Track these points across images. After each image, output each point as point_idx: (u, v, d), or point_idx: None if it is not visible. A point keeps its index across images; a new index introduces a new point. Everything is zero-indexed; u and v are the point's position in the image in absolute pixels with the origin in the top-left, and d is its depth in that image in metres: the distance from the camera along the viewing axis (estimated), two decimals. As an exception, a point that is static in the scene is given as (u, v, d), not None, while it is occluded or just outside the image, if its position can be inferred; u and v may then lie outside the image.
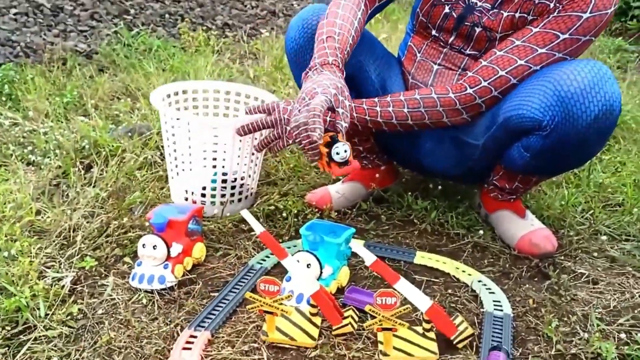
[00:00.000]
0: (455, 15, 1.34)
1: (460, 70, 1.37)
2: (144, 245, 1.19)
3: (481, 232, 1.46)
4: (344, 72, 1.22)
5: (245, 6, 4.28)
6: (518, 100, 1.22)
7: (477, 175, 1.46)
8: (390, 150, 1.57)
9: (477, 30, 1.31)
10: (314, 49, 1.25)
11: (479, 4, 1.31)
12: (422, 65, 1.42)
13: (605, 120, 1.14)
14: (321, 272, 1.19)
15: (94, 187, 1.55)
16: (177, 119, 1.41)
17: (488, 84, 1.27)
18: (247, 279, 1.24)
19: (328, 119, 1.18)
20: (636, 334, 1.09)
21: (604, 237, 1.45)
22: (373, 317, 1.02)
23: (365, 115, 1.33)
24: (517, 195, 1.43)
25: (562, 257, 1.38)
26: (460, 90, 1.30)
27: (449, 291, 1.25)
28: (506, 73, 1.25)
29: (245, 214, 1.11)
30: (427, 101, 1.31)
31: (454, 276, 1.30)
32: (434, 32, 1.39)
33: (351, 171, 1.14)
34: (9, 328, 1.04)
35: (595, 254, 1.39)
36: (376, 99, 1.34)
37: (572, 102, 1.13)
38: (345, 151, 1.09)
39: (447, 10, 1.34)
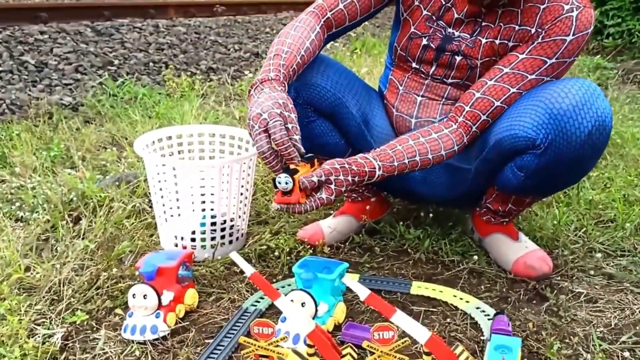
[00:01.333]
0: (434, 47, 1.35)
1: (443, 100, 1.38)
2: (134, 295, 1.17)
3: (476, 257, 1.45)
4: (286, 86, 1.20)
5: (229, 50, 4.35)
6: (509, 121, 1.22)
7: (470, 199, 1.45)
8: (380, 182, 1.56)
9: (458, 58, 1.32)
10: None
11: (457, 33, 1.32)
12: (405, 98, 1.43)
13: (599, 136, 1.14)
14: (316, 310, 1.17)
15: (83, 239, 1.53)
16: (163, 164, 1.40)
17: (487, 116, 1.27)
18: (241, 323, 1.22)
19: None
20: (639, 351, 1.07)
21: (599, 255, 1.44)
22: (372, 354, 1.00)
23: (366, 176, 1.22)
24: (509, 218, 1.43)
25: (559, 278, 1.37)
26: (467, 132, 1.29)
27: (448, 320, 1.23)
28: (501, 103, 1.25)
29: (235, 256, 1.09)
30: (435, 157, 1.28)
31: (451, 304, 1.29)
32: (414, 65, 1.40)
33: (294, 202, 1.13)
34: (-2, 391, 1.01)
35: (592, 272, 1.38)
36: (372, 156, 1.24)
37: (564, 119, 1.13)
38: (287, 183, 1.11)
39: (425, 42, 1.36)
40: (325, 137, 1.40)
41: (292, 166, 1.14)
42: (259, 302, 1.30)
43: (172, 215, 1.47)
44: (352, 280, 1.04)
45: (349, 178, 1.18)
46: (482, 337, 1.16)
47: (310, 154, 1.19)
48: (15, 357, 1.06)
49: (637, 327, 1.16)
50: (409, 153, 1.25)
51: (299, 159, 1.13)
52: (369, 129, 1.43)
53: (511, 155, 1.24)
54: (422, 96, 1.40)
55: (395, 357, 0.98)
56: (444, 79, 1.36)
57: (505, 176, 1.27)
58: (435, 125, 1.31)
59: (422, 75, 1.40)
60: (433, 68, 1.37)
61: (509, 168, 1.26)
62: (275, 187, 1.12)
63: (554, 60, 1.21)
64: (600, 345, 1.10)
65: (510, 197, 1.35)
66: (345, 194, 1.64)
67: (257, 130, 1.10)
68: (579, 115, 1.13)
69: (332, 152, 1.39)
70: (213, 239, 1.47)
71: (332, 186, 1.17)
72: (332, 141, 1.41)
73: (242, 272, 1.42)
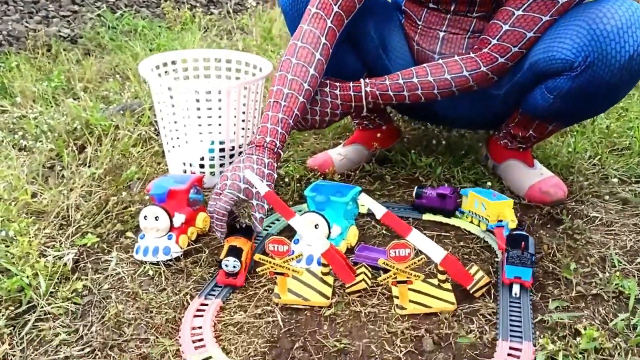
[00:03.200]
0: None
1: (469, 33, 1.30)
2: (145, 217, 1.15)
3: (489, 183, 1.42)
4: (281, 154, 1.17)
5: (229, -18, 4.19)
6: (547, 43, 1.16)
7: (492, 122, 1.42)
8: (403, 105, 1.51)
9: None
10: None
11: None
12: (426, 33, 1.35)
13: (638, 62, 1.08)
14: (329, 233, 1.16)
15: (89, 166, 1.51)
16: (169, 88, 1.36)
17: (519, 48, 1.20)
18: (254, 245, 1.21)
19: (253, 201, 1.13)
20: (656, 271, 1.07)
21: (615, 180, 1.42)
22: (386, 271, 0.99)
23: (388, 90, 1.26)
24: (527, 145, 1.40)
25: (574, 203, 1.35)
26: (492, 61, 1.22)
27: (461, 243, 1.22)
28: (534, 33, 1.18)
29: (249, 174, 1.07)
30: (458, 81, 1.23)
31: (464, 229, 1.27)
32: (431, 5, 1.32)
33: (239, 284, 1.07)
34: (12, 308, 1.01)
35: (607, 197, 1.37)
36: (399, 72, 1.26)
37: (607, 41, 1.07)
38: (235, 267, 1.05)
39: None
40: (343, 57, 1.35)
41: (233, 243, 1.09)
42: (270, 227, 1.29)
43: (179, 143, 1.43)
44: (368, 198, 1.02)
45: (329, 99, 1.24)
46: (496, 259, 1.15)
47: (246, 227, 1.15)
48: (27, 277, 1.05)
49: (653, 249, 1.15)
50: (420, 74, 1.21)
51: (232, 234, 1.13)
52: (387, 53, 1.38)
53: (544, 77, 1.19)
54: (445, 31, 1.33)
55: (410, 274, 0.97)
56: (468, 13, 1.29)
57: (534, 98, 1.23)
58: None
59: (442, 12, 1.32)
60: (453, 6, 1.29)
61: (539, 90, 1.21)
62: (220, 267, 1.06)
63: None
64: (618, 263, 1.09)
65: (533, 123, 1.31)
66: (356, 122, 1.60)
67: (216, 189, 1.12)
68: (622, 38, 1.07)
69: (350, 73, 1.35)
70: (222, 165, 1.44)
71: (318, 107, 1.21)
72: (350, 62, 1.36)
73: (252, 197, 1.41)
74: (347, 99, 1.28)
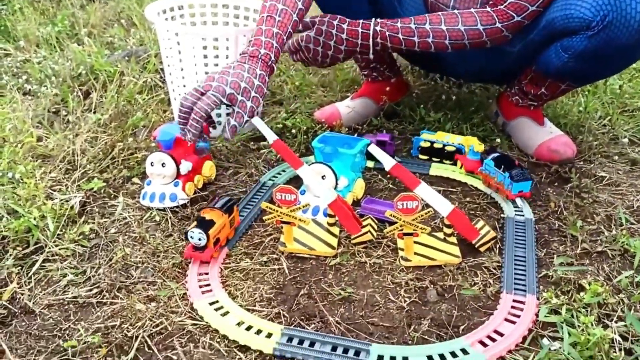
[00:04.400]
0: None
1: None
2: (152, 163, 1.15)
3: (498, 140, 1.41)
4: (274, 69, 1.11)
5: None
6: (564, 0, 1.12)
7: (505, 78, 1.39)
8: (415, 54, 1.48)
9: None
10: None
11: None
12: None
13: None
14: (336, 184, 1.15)
15: (94, 112, 1.49)
16: (176, 33, 1.33)
17: (536, 7, 1.16)
18: (260, 195, 1.21)
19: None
20: (662, 231, 1.06)
21: (625, 141, 1.40)
22: (393, 224, 0.99)
23: (398, 33, 1.21)
24: (538, 103, 1.37)
25: (582, 163, 1.34)
26: (508, 19, 1.17)
27: (468, 199, 1.22)
28: None
29: (257, 122, 1.05)
30: (471, 33, 1.19)
31: (471, 185, 1.27)
32: None
33: (206, 259, 0.98)
34: (20, 248, 1.02)
35: (616, 158, 1.36)
36: (412, 17, 1.22)
37: (627, 0, 1.04)
38: (200, 239, 0.96)
39: None
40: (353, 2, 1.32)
41: (207, 216, 1.00)
42: (276, 177, 1.28)
43: (185, 86, 1.41)
44: (378, 149, 1.01)
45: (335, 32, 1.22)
46: (502, 215, 1.15)
47: (231, 201, 1.05)
48: (34, 218, 1.06)
49: (660, 210, 1.14)
50: (434, 21, 1.18)
51: (210, 207, 1.03)
52: (400, 1, 1.34)
53: (560, 36, 1.15)
54: None
55: (417, 226, 0.97)
56: None
57: (548, 56, 1.20)
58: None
59: None
60: None
61: (554, 48, 1.18)
62: (187, 239, 0.98)
63: None
64: (625, 221, 1.09)
65: (546, 81, 1.29)
66: (364, 73, 1.57)
67: (197, 87, 1.04)
68: None
69: (357, 17, 1.31)
70: (228, 114, 1.42)
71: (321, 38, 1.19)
72: (360, 6, 1.33)
73: (259, 148, 1.40)
74: (354, 35, 1.23)
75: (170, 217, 1.12)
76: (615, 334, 0.80)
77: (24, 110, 1.49)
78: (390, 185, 1.27)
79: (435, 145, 1.34)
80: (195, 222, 0.98)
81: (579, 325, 0.82)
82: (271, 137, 1.05)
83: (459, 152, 1.32)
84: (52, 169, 1.27)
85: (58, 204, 1.12)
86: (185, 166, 1.17)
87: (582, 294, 0.88)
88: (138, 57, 1.75)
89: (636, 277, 0.94)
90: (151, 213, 1.13)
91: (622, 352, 0.78)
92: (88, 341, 0.83)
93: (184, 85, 1.41)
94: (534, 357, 0.79)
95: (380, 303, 0.92)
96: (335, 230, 1.08)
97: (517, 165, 1.17)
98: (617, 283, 0.93)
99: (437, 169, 1.33)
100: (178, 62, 1.37)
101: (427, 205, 1.01)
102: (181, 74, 1.39)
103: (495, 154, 1.22)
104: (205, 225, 0.98)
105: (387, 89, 1.54)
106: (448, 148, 1.33)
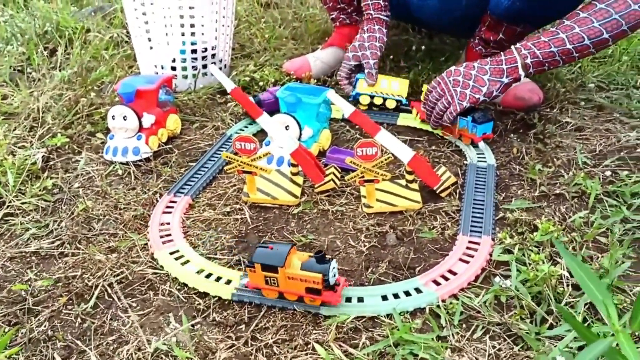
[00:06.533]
0: None
1: None
2: (113, 116, 1.14)
3: (465, 89, 1.40)
4: (387, 17, 1.36)
5: None
6: None
7: (465, 25, 1.39)
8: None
9: None
10: None
11: None
12: None
13: None
14: (301, 134, 1.15)
15: (60, 70, 1.47)
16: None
17: None
18: (225, 148, 1.21)
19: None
20: (622, 172, 1.08)
21: (592, 86, 1.41)
22: (354, 171, 1.00)
23: (551, 47, 1.11)
24: (500, 50, 1.37)
25: (548, 109, 1.34)
26: None
27: (433, 147, 1.23)
28: None
29: (213, 69, 1.04)
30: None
31: (437, 134, 1.27)
32: None
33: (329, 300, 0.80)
34: (-19, 204, 1.02)
35: (582, 104, 1.36)
36: (553, 28, 1.12)
37: None
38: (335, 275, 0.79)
39: None
40: None
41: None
42: (242, 130, 1.28)
43: (150, 40, 1.39)
44: (337, 96, 1.01)
45: None
46: (465, 162, 1.16)
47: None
48: (-3, 174, 1.05)
49: (622, 152, 1.15)
50: None
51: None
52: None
53: None
54: None
55: (377, 173, 0.98)
56: None
57: None
58: None
59: None
60: None
61: None
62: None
63: None
64: (584, 165, 1.11)
65: (502, 26, 1.29)
66: (332, 17, 1.56)
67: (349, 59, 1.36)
68: None
69: None
70: (194, 67, 1.41)
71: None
72: None
73: (226, 101, 1.39)
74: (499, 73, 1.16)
75: (133, 171, 1.12)
76: (564, 270, 0.82)
77: (-13, 68, 1.47)
78: (358, 136, 1.27)
79: (376, 101, 1.37)
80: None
81: (529, 263, 0.84)
82: (229, 85, 1.04)
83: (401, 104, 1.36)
84: (17, 126, 1.26)
85: (21, 159, 1.11)
86: (148, 119, 1.16)
87: (535, 233, 0.90)
88: (104, 13, 1.72)
89: (590, 216, 0.96)
90: (114, 167, 1.13)
91: (570, 287, 0.80)
92: (50, 290, 0.84)
93: (149, 39, 1.39)
94: (484, 294, 0.81)
95: (341, 248, 0.93)
96: (299, 179, 1.09)
97: (477, 107, 1.18)
98: (571, 223, 0.94)
99: (405, 119, 1.33)
100: (141, 15, 1.35)
101: (388, 152, 1.01)
102: (145, 27, 1.37)
103: None
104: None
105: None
106: (388, 103, 1.36)
